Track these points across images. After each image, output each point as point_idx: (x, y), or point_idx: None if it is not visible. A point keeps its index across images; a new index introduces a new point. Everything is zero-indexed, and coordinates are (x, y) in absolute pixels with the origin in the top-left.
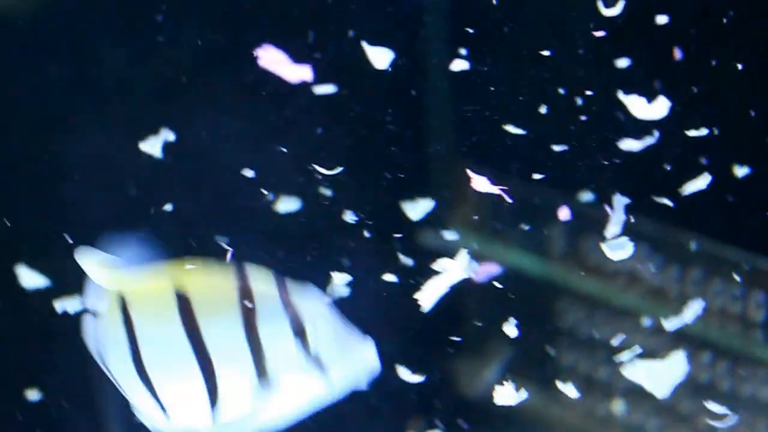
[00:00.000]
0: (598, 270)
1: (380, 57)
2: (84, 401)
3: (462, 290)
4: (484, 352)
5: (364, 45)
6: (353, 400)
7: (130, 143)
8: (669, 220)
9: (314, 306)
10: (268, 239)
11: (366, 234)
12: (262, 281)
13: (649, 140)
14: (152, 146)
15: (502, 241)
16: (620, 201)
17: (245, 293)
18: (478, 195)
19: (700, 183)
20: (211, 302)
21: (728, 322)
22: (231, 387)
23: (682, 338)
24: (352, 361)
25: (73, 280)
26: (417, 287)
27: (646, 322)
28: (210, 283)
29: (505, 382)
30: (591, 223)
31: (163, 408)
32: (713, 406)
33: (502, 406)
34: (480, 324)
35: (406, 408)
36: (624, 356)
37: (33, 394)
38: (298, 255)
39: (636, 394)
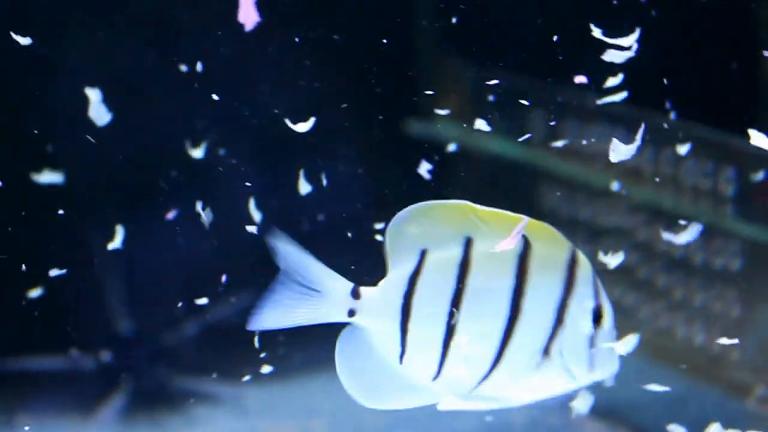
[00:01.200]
0: (578, 153)
1: None
2: (87, 297)
3: None
4: None
5: None
6: None
7: None
8: (644, 103)
9: (608, 304)
10: None
11: None
12: (584, 261)
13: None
14: None
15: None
16: None
17: (571, 264)
18: (466, 86)
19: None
20: (546, 259)
21: (700, 197)
22: (515, 357)
23: (657, 214)
24: (606, 367)
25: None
26: None
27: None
28: (551, 241)
29: None
30: (573, 108)
31: (440, 364)
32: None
33: None
34: None
35: None
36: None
37: (35, 292)
38: None
39: (615, 272)
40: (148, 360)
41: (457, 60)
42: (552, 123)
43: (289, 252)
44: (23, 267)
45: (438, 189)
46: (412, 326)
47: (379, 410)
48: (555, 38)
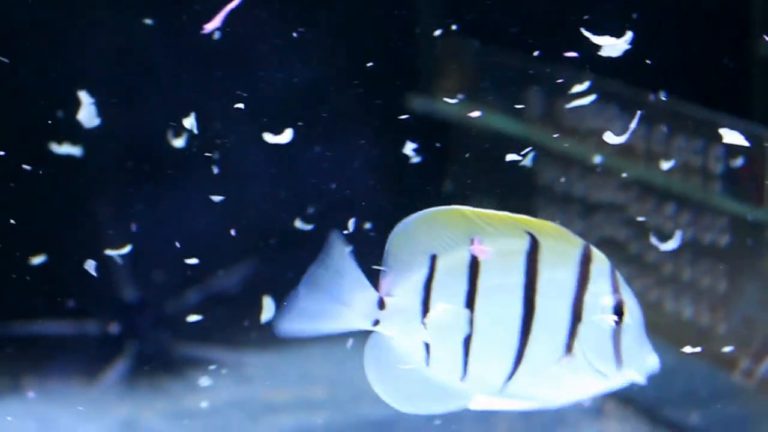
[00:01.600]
0: (573, 131)
1: None
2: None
3: None
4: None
5: None
6: None
7: None
8: (636, 81)
9: (632, 300)
10: None
11: None
12: (600, 257)
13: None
14: None
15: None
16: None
17: (585, 260)
18: (466, 64)
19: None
20: (556, 255)
21: (690, 174)
22: (537, 354)
23: (648, 190)
24: (638, 366)
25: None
26: None
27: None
28: (559, 237)
29: None
30: (565, 87)
31: (465, 362)
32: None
33: None
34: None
35: None
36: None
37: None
38: None
39: (606, 243)
40: (152, 327)
41: (457, 38)
42: (547, 100)
43: (335, 255)
44: (30, 234)
45: (433, 168)
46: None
47: None
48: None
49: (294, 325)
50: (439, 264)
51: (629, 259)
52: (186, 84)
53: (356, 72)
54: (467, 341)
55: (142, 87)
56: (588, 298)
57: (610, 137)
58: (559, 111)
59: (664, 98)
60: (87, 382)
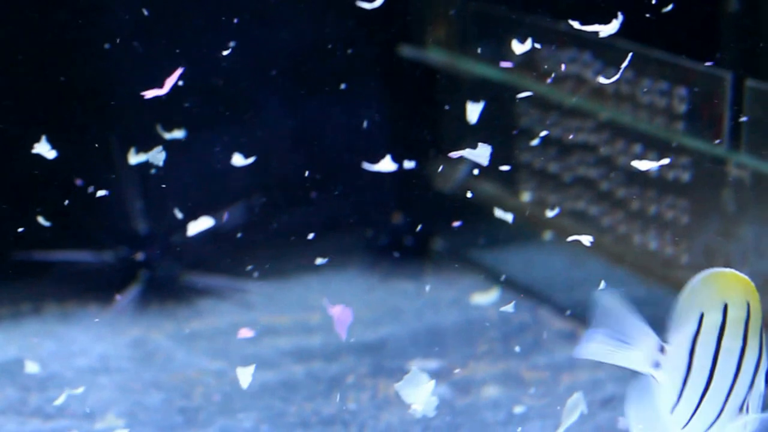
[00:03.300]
0: (550, 75)
1: None
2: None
3: None
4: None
5: None
6: None
7: None
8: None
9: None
10: None
11: None
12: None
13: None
14: None
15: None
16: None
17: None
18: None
19: None
20: (755, 323)
21: (656, 115)
22: (729, 410)
23: (619, 131)
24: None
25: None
26: None
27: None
28: (758, 299)
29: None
30: (547, 34)
31: (693, 414)
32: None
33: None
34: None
35: None
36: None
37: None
38: None
39: (581, 183)
40: (162, 257)
41: None
42: (532, 48)
43: (609, 309)
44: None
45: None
46: (690, 381)
47: (368, 304)
48: None
49: (592, 353)
50: (705, 323)
51: (600, 196)
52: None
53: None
54: (702, 396)
55: None
56: (762, 363)
57: (601, 79)
58: (540, 58)
59: (632, 45)
60: (102, 306)
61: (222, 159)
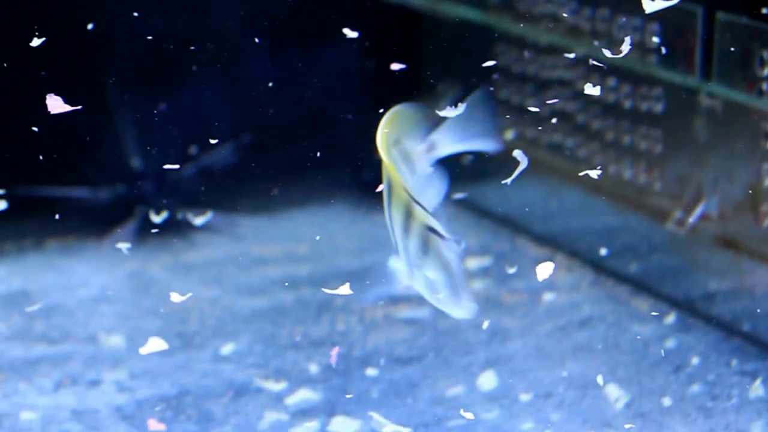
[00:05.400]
0: (527, 15)
1: None
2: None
3: None
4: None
5: None
6: None
7: None
8: None
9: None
10: None
11: None
12: None
13: None
14: None
15: None
16: None
17: None
18: None
19: None
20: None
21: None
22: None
23: (595, 67)
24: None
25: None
26: None
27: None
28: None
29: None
30: None
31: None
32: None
33: None
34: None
35: None
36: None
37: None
38: None
39: (557, 115)
40: (158, 193)
41: None
42: None
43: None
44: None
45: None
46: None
47: (354, 236)
48: None
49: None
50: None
51: (577, 129)
52: None
53: None
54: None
55: None
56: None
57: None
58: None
59: None
60: (101, 240)
61: (213, 102)
